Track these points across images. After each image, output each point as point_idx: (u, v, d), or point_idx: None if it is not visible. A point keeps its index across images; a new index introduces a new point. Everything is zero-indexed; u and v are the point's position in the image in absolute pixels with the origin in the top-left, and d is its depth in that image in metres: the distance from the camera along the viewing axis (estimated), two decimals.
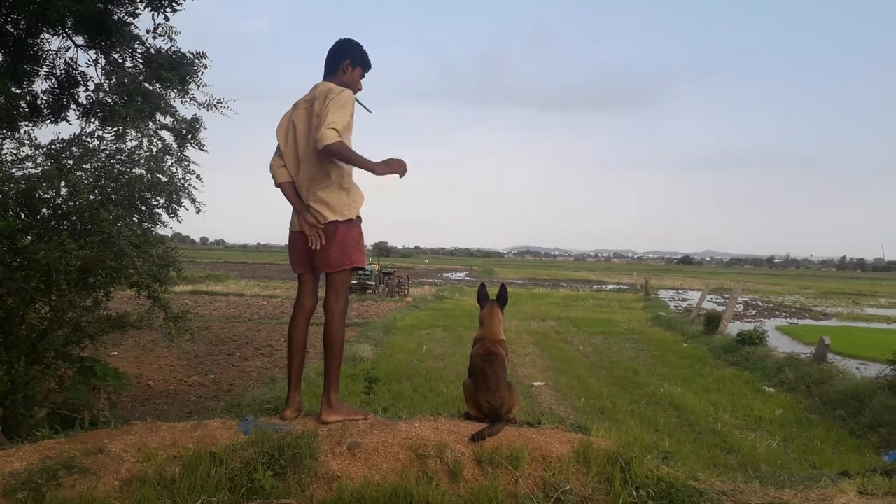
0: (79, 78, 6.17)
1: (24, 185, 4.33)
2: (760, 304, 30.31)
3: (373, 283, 24.98)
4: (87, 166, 4.93)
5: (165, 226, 5.37)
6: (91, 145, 5.13)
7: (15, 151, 4.87)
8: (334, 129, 3.07)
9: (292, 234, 3.44)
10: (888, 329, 19.85)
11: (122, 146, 5.33)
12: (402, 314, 17.12)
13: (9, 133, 5.40)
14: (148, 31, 5.95)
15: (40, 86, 6.05)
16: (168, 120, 6.05)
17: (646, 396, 8.23)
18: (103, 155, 5.09)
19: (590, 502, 2.85)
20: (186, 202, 5.38)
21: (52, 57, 6.00)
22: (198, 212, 5.54)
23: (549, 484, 2.87)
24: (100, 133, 5.43)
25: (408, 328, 14.52)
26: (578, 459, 3.01)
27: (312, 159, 3.27)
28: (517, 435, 3.13)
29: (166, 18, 5.82)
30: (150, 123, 5.90)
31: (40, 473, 2.69)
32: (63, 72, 6.10)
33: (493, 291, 3.71)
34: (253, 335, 12.94)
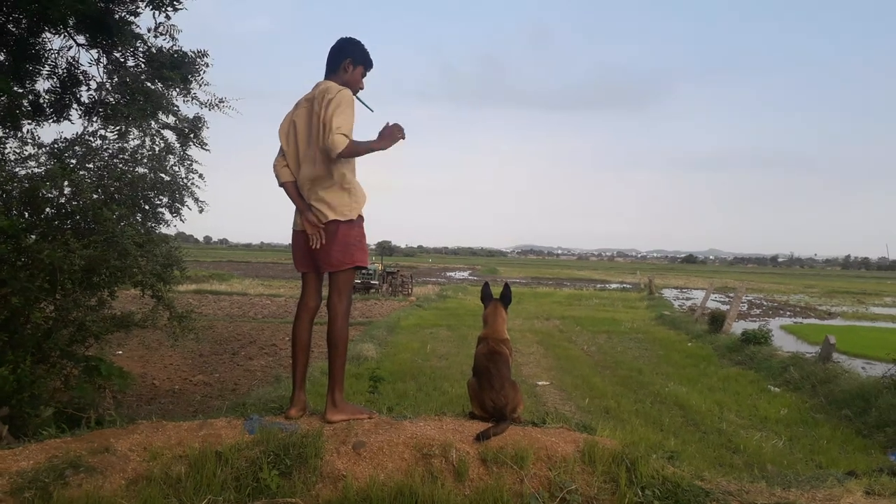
0: (81, 77, 6.17)
1: (27, 185, 4.33)
2: (765, 303, 30.22)
3: (376, 283, 24.99)
4: (90, 165, 4.95)
5: (169, 225, 5.39)
6: (94, 144, 5.15)
7: (18, 151, 4.89)
8: (343, 133, 3.09)
9: (295, 233, 3.44)
10: (893, 328, 19.78)
11: (125, 145, 5.35)
12: (405, 313, 17.12)
13: (11, 132, 5.41)
14: (149, 30, 5.95)
15: (42, 85, 6.06)
16: (170, 119, 6.05)
17: (650, 396, 8.21)
18: (106, 154, 5.10)
19: (595, 502, 2.84)
20: (189, 201, 5.38)
21: (53, 56, 6.00)
22: (200, 211, 5.55)
23: (555, 483, 2.86)
24: (102, 132, 5.44)
25: (411, 327, 14.52)
26: (583, 459, 3.00)
27: (313, 159, 3.27)
28: (522, 434, 3.12)
29: (167, 17, 5.82)
30: (153, 122, 5.90)
31: (47, 472, 2.69)
32: (65, 71, 6.10)
33: (496, 290, 3.70)
34: (257, 334, 12.95)
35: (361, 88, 3.46)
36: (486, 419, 3.26)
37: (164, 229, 5.43)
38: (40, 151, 4.83)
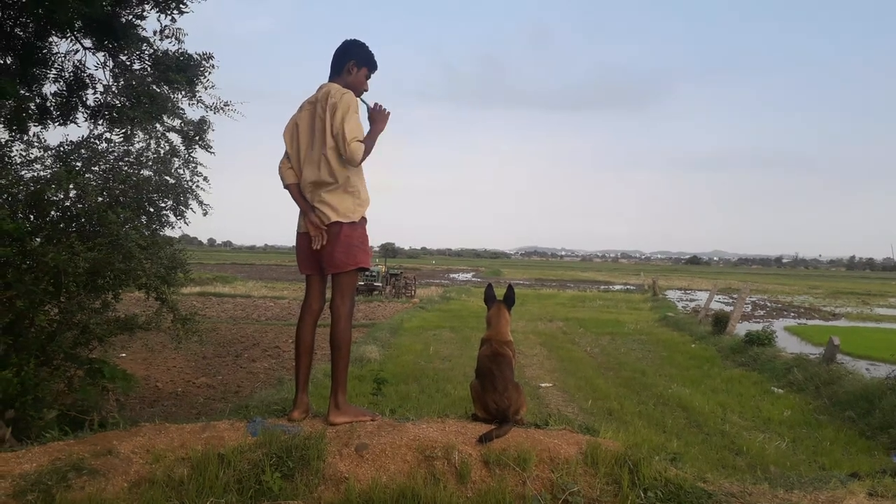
0: (87, 80, 6.21)
1: (33, 188, 4.35)
2: (769, 304, 30.15)
3: (379, 284, 25.00)
4: (96, 168, 4.96)
5: (173, 227, 5.40)
6: (99, 147, 5.17)
7: (24, 153, 4.91)
8: (358, 141, 3.18)
9: (299, 235, 3.45)
10: None
11: (130, 148, 5.36)
12: (408, 315, 17.12)
13: (18, 135, 5.43)
14: (155, 33, 5.98)
15: (49, 88, 6.10)
16: (176, 122, 6.08)
17: (654, 397, 8.19)
18: (111, 157, 5.12)
19: None
20: (193, 204, 5.40)
21: (60, 59, 6.05)
22: (205, 214, 5.56)
23: (557, 485, 2.86)
24: (108, 135, 5.47)
25: (415, 329, 14.52)
26: (586, 461, 3.00)
27: (315, 162, 3.29)
28: (525, 436, 3.13)
29: (173, 20, 5.86)
30: (158, 125, 5.93)
31: (50, 475, 2.71)
32: (71, 74, 6.14)
33: (500, 292, 3.70)
34: (260, 336, 12.97)
35: (366, 90, 3.48)
36: (488, 421, 3.26)
37: (168, 232, 5.45)
38: (46, 154, 4.85)
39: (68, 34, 5.81)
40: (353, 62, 3.41)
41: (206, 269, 36.75)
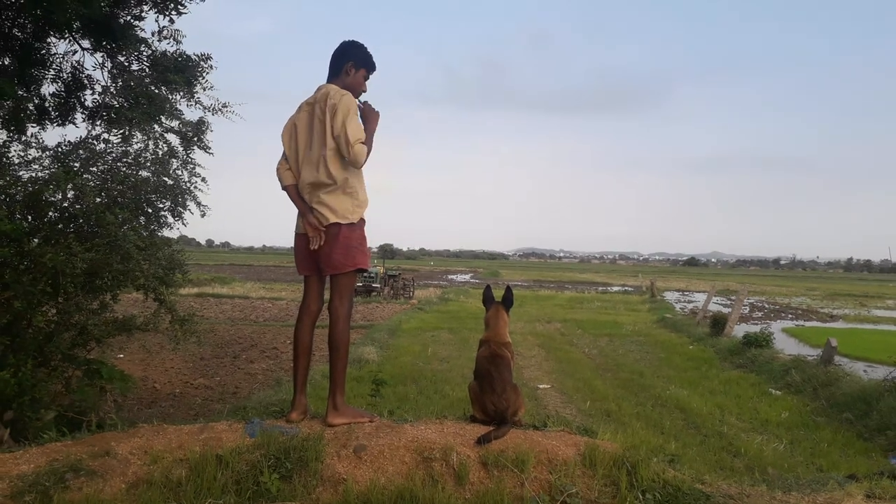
0: (85, 81, 6.20)
1: (31, 188, 4.35)
2: (767, 305, 30.18)
3: (378, 286, 25.00)
4: (94, 169, 4.95)
5: (171, 228, 5.39)
6: (97, 148, 5.16)
7: (22, 154, 4.90)
8: (361, 142, 3.19)
9: (298, 236, 3.45)
10: (895, 331, 19.73)
11: (129, 149, 5.35)
12: (407, 316, 17.11)
13: (16, 136, 5.43)
14: (153, 34, 5.97)
15: (47, 89, 6.09)
16: (174, 123, 6.07)
17: (652, 399, 8.20)
18: (110, 158, 5.11)
19: None
20: (191, 205, 5.39)
21: (58, 60, 6.03)
22: (203, 215, 5.54)
23: (555, 487, 2.86)
24: (106, 136, 5.46)
25: (413, 330, 14.51)
26: (584, 462, 3.01)
27: (314, 163, 3.29)
28: (523, 438, 3.13)
29: (171, 21, 5.85)
30: (156, 126, 5.92)
31: (48, 476, 2.70)
32: (69, 75, 6.13)
33: (498, 293, 3.70)
34: (258, 338, 12.95)
35: (364, 91, 3.49)
36: (487, 422, 3.27)
37: (166, 233, 5.44)
38: (44, 155, 4.84)
39: (66, 35, 5.80)
40: (351, 63, 3.41)
41: (204, 270, 36.72)
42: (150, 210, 5.13)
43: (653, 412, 7.48)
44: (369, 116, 3.38)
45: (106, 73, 6.13)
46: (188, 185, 5.40)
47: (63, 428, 3.38)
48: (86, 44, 6.01)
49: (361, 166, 3.28)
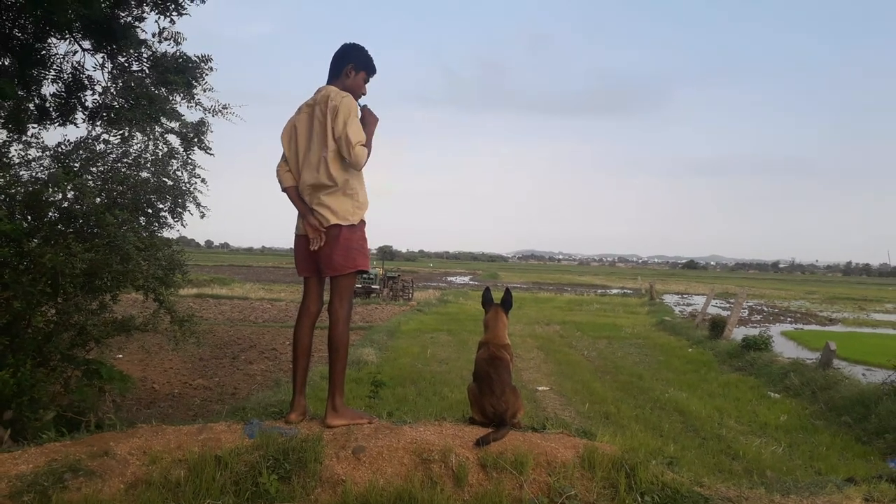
0: (86, 81, 6.21)
1: (31, 188, 4.35)
2: (766, 309, 30.18)
3: (377, 287, 25.00)
4: (94, 169, 4.96)
5: (171, 229, 5.40)
6: (97, 148, 5.16)
7: (22, 154, 4.91)
8: (361, 145, 3.20)
9: (298, 237, 3.45)
10: (894, 334, 19.73)
11: (129, 149, 5.36)
12: (406, 318, 17.12)
13: (16, 136, 5.43)
14: (154, 35, 5.99)
15: (48, 89, 6.10)
16: (174, 124, 6.08)
17: (650, 401, 8.20)
18: (110, 158, 5.11)
19: None
20: (191, 206, 5.39)
21: (59, 61, 6.04)
22: (202, 216, 5.55)
23: (554, 489, 2.87)
24: (106, 136, 5.46)
25: (412, 332, 14.51)
26: (583, 465, 3.01)
27: (314, 164, 3.29)
28: (522, 440, 3.13)
29: (172, 22, 5.86)
30: (156, 127, 5.93)
31: (46, 476, 2.70)
32: (70, 75, 6.14)
33: (497, 295, 3.71)
34: (258, 339, 12.95)
35: (364, 94, 3.49)
36: (486, 424, 3.27)
37: (166, 233, 5.45)
38: (44, 155, 4.85)
39: (67, 35, 5.82)
40: (351, 66, 3.41)
41: (203, 270, 36.69)
42: (149, 211, 5.13)
43: (651, 415, 7.48)
44: (368, 120, 3.38)
45: (106, 74, 6.14)
46: (188, 185, 5.41)
47: (62, 428, 3.37)
48: (86, 44, 6.02)
49: (362, 168, 3.28)
